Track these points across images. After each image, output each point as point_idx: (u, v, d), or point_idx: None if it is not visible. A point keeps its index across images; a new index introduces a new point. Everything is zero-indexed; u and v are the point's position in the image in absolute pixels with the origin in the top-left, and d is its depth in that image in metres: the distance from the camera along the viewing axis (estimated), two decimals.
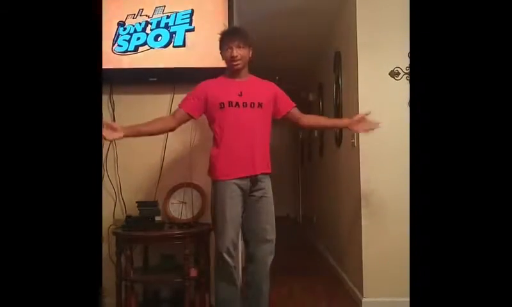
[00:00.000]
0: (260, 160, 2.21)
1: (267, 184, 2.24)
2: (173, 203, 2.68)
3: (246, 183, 2.18)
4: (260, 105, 2.20)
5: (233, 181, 2.15)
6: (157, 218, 2.59)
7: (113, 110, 2.80)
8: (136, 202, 2.60)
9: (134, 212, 2.59)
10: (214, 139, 2.23)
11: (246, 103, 2.18)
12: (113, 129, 2.05)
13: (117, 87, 2.80)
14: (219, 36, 2.28)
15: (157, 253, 2.68)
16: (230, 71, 2.26)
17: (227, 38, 2.22)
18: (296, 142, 7.89)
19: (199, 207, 2.67)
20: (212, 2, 2.79)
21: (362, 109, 2.88)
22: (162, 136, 2.79)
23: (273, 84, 2.36)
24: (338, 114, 3.68)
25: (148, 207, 2.58)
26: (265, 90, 2.30)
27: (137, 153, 2.81)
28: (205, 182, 2.71)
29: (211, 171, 2.23)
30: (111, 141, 2.17)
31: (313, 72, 5.30)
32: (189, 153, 2.73)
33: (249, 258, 2.27)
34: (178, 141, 2.79)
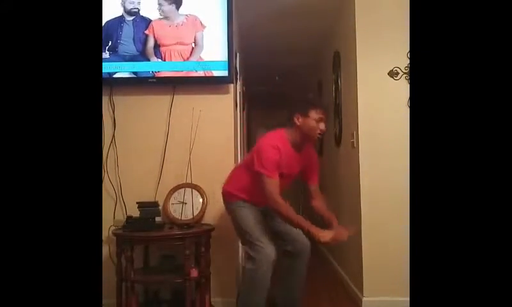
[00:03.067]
0: None
1: None
2: (173, 204, 2.69)
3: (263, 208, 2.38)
4: (295, 176, 2.44)
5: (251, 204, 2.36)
6: (158, 219, 2.59)
7: (113, 112, 2.81)
8: (137, 203, 2.60)
9: (135, 212, 2.59)
10: (243, 176, 2.36)
11: (285, 174, 2.34)
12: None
13: (117, 89, 2.81)
14: (306, 101, 2.41)
15: (157, 254, 2.68)
16: (302, 137, 2.32)
17: (321, 110, 2.29)
18: None
19: (199, 208, 2.68)
20: (212, 2, 2.79)
21: (361, 109, 2.89)
22: (162, 137, 2.80)
23: (316, 156, 2.55)
24: (337, 113, 3.68)
25: (148, 208, 2.58)
26: (306, 163, 2.44)
27: (137, 153, 2.82)
28: (205, 182, 2.72)
29: (229, 194, 2.39)
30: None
31: (312, 72, 5.30)
32: (189, 153, 2.73)
33: (287, 254, 2.42)
34: (178, 141, 2.79)
